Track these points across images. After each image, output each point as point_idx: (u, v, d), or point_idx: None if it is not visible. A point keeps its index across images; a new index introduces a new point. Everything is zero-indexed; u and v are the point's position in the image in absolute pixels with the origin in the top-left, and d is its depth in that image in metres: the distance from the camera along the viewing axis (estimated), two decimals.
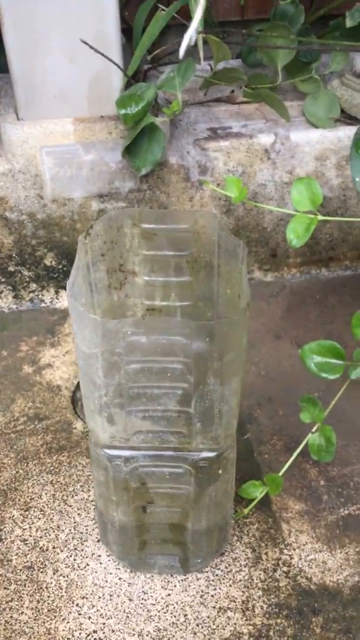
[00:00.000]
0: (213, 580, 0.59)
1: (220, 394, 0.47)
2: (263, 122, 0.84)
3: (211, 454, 0.51)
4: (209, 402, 0.48)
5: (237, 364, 0.47)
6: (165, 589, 0.58)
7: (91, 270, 0.53)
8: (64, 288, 0.88)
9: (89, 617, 0.56)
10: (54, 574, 0.59)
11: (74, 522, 0.64)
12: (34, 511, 0.65)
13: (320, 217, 0.64)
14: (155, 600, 0.57)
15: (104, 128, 0.76)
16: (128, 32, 0.84)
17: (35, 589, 0.58)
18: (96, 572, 0.59)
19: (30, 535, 0.62)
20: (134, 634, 0.54)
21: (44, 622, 0.55)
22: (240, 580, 0.59)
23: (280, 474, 0.64)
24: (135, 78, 0.78)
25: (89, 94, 0.75)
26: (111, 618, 0.55)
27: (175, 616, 0.56)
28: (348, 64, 0.83)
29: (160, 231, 0.53)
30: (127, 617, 0.56)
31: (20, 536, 0.62)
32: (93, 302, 0.54)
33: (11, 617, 0.56)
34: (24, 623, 0.55)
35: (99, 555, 0.61)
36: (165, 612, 0.56)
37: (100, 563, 0.60)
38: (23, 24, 0.70)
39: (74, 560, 0.60)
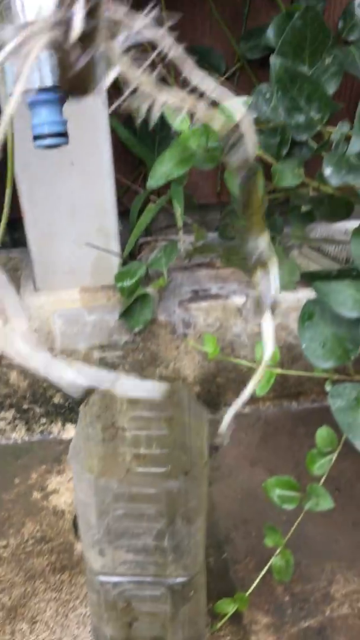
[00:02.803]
0: None
1: (188, 531, 0.61)
2: (237, 284, 1.02)
3: (183, 579, 0.64)
4: (179, 538, 0.61)
5: (201, 507, 0.61)
6: None
7: (89, 428, 0.68)
8: (70, 421, 1.03)
9: None
10: None
11: (74, 635, 0.75)
12: (40, 625, 0.77)
13: (277, 371, 0.80)
14: None
15: (104, 295, 0.94)
16: (126, 214, 1.04)
17: None
18: None
19: None
20: None
21: None
22: None
23: (248, 592, 0.76)
24: (131, 253, 0.97)
25: (92, 270, 0.93)
26: None
27: None
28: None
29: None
30: None
31: None
32: (91, 452, 0.69)
33: None
34: None
35: None
36: None
37: None
38: (40, 220, 0.89)
39: None
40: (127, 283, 0.90)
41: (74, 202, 0.87)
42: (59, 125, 0.54)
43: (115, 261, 0.93)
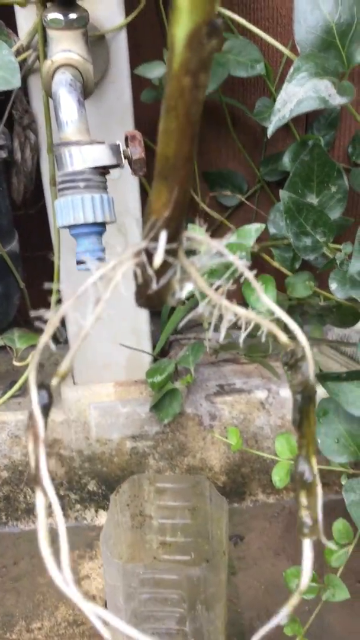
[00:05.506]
0: None
1: (207, 617, 0.66)
2: (260, 379, 1.09)
3: None
4: (199, 623, 0.66)
5: (219, 594, 0.66)
6: None
7: (119, 516, 0.74)
8: (102, 508, 1.09)
9: None
10: None
11: None
12: None
13: None
14: None
15: (136, 389, 1.02)
16: (156, 314, 1.13)
17: None
18: None
19: None
20: None
21: None
22: None
23: None
24: (161, 350, 1.06)
25: (126, 366, 1.02)
26: None
27: None
28: (322, 336, 1.09)
29: (169, 488, 0.75)
30: None
31: None
32: (120, 539, 0.75)
33: None
34: None
35: None
36: None
37: None
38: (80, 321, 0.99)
39: None
40: (158, 379, 0.98)
41: (110, 307, 0.97)
42: (98, 252, 0.65)
43: (147, 358, 1.02)
